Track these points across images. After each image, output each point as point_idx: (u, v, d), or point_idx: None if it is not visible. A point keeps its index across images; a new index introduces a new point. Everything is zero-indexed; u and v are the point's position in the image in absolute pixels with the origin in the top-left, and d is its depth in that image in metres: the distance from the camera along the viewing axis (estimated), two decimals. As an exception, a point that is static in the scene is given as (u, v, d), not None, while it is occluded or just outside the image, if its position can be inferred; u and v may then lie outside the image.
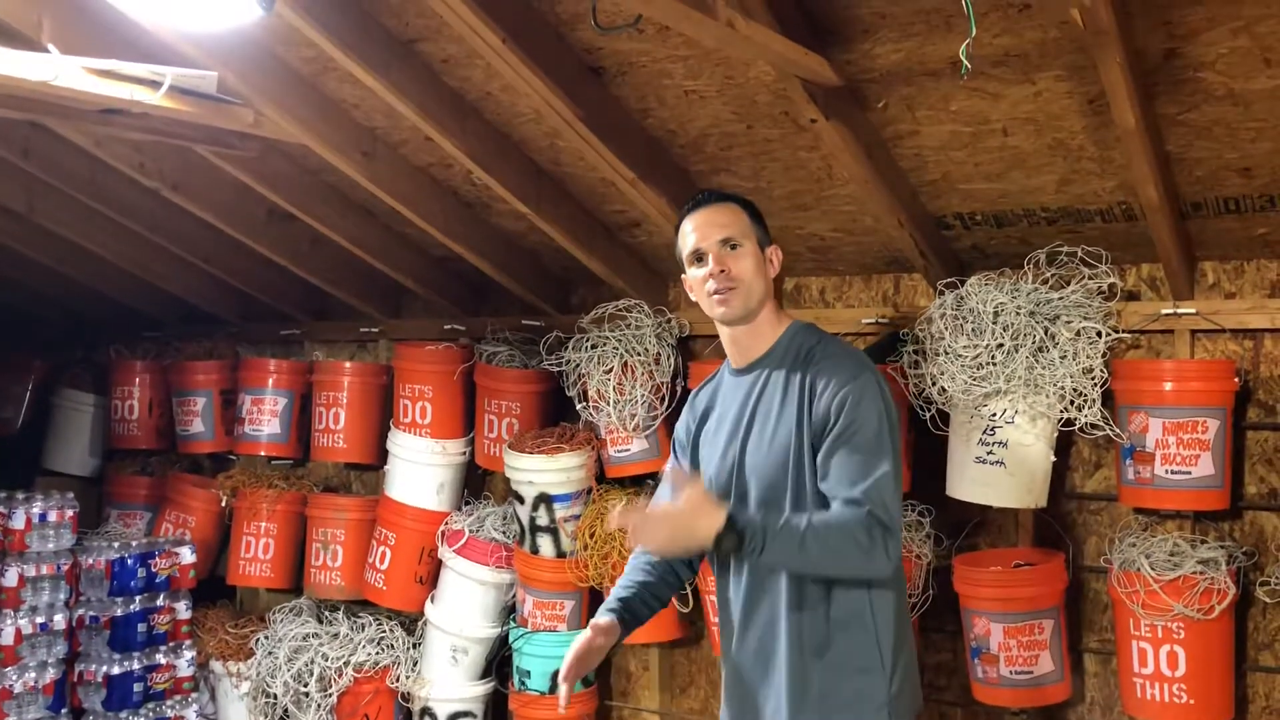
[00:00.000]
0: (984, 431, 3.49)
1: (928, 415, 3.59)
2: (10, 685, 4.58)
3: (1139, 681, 3.33)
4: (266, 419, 5.07)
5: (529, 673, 4.36)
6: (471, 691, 4.55)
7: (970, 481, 3.55)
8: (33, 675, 4.64)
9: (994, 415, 3.46)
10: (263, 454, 5.15)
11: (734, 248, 2.44)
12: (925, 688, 3.96)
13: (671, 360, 4.20)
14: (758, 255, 2.46)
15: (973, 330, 3.50)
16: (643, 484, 4.29)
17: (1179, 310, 3.51)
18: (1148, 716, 3.36)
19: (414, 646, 4.69)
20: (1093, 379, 3.42)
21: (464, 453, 4.70)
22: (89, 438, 5.65)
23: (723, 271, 2.42)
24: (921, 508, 3.80)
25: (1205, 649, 3.24)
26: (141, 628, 4.77)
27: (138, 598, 4.77)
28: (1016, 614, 3.47)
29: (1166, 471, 3.27)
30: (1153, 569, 3.25)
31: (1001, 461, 3.48)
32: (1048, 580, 3.52)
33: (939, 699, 3.98)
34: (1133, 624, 3.33)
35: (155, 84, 2.92)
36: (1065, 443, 3.64)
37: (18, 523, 4.67)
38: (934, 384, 3.53)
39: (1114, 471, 3.59)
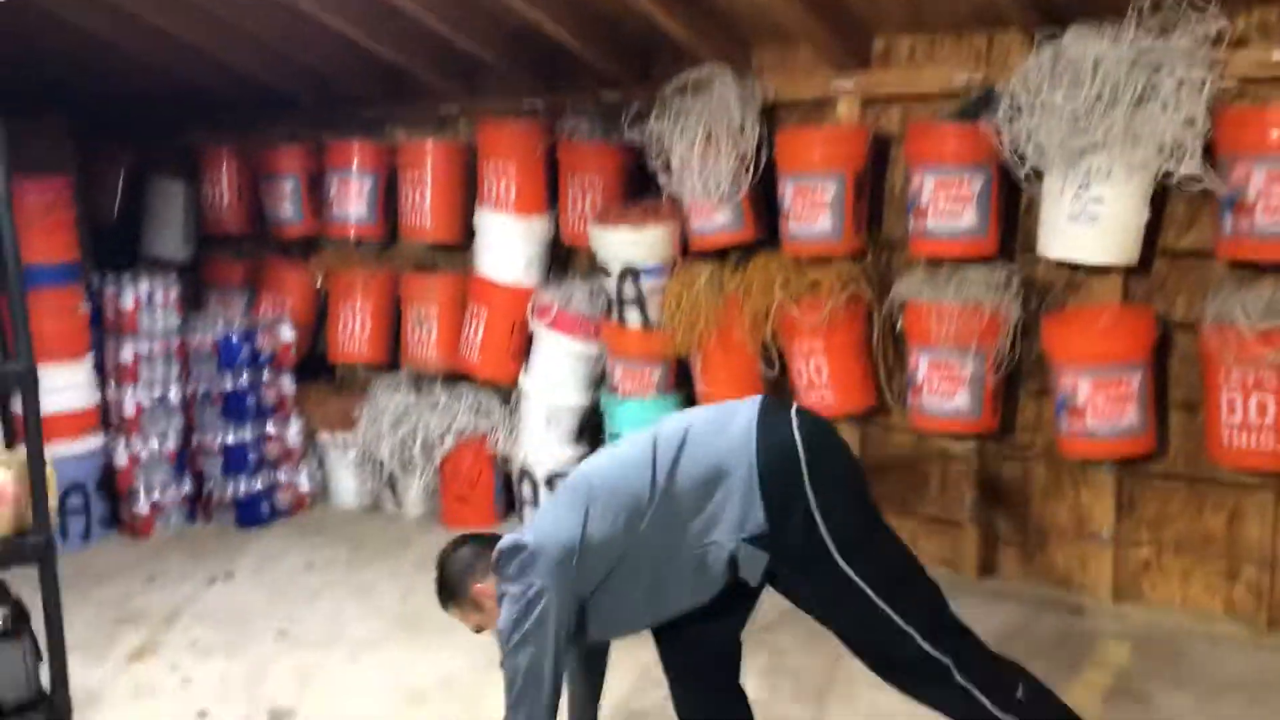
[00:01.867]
0: (1079, 188, 3.44)
1: (1022, 173, 3.54)
2: (138, 453, 4.92)
3: (1227, 431, 3.38)
4: (353, 201, 5.16)
5: (620, 436, 4.54)
6: (565, 454, 4.75)
7: (1063, 239, 3.53)
8: (156, 444, 4.97)
9: (1090, 170, 3.41)
10: (351, 236, 5.26)
11: (479, 631, 2.70)
12: (1011, 446, 4.08)
13: (756, 129, 4.14)
14: (483, 619, 2.65)
15: (1071, 83, 3.40)
16: (726, 257, 4.33)
17: (1290, 56, 3.36)
18: (1234, 463, 3.44)
19: (510, 415, 4.90)
20: (1194, 130, 3.33)
21: (549, 229, 4.76)
22: (182, 224, 5.80)
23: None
24: (1011, 267, 3.80)
25: (1295, 398, 3.27)
26: (250, 401, 5.05)
27: (245, 373, 5.02)
28: (1105, 367, 3.51)
29: (1267, 222, 3.21)
30: (1248, 319, 3.25)
31: (1095, 218, 3.45)
32: (1137, 334, 3.54)
33: (1022, 457, 4.09)
34: (1223, 375, 3.35)
35: None
36: (1159, 200, 3.58)
37: (127, 303, 4.90)
38: (1029, 140, 3.47)
39: (1209, 227, 3.54)
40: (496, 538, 2.63)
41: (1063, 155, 3.40)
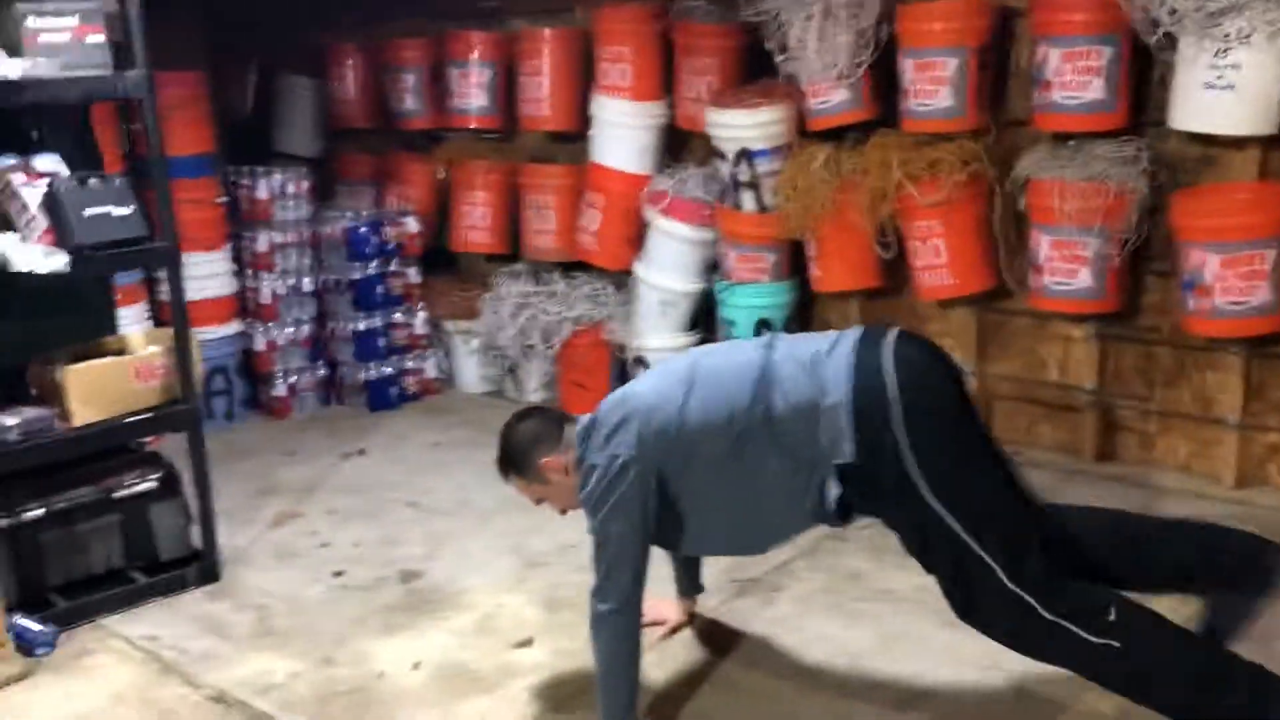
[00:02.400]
0: (1215, 54, 3.30)
1: (1154, 39, 3.40)
2: (275, 339, 5.17)
3: (1367, 306, 3.25)
4: (474, 92, 5.23)
5: (734, 322, 4.58)
6: (679, 341, 4.81)
7: (1196, 109, 3.40)
8: (291, 330, 5.21)
9: (1228, 35, 3.25)
10: (472, 126, 5.35)
11: (540, 502, 2.73)
12: (1134, 329, 3.99)
13: (875, 4, 4.05)
14: (548, 491, 2.67)
15: (1210, -59, 3.23)
16: (844, 136, 4.27)
17: None
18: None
19: (625, 302, 4.98)
20: (1343, -11, 3.14)
21: (664, 114, 4.76)
22: (311, 119, 5.97)
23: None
24: (1140, 142, 3.67)
25: None
26: (379, 290, 5.24)
27: (373, 263, 5.20)
28: (1235, 243, 3.39)
29: None
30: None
31: (1232, 85, 3.30)
32: (1269, 209, 3.40)
33: (1147, 339, 3.99)
34: (1366, 248, 3.21)
35: None
36: (1305, 67, 3.40)
37: (261, 193, 5.11)
38: (1163, 4, 3.32)
39: (1359, 94, 3.36)
40: (564, 415, 2.69)
41: (1198, 19, 3.26)
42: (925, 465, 2.26)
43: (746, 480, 2.42)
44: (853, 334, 2.43)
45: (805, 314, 4.75)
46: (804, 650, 3.00)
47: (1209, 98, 3.35)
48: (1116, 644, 2.24)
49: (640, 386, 2.56)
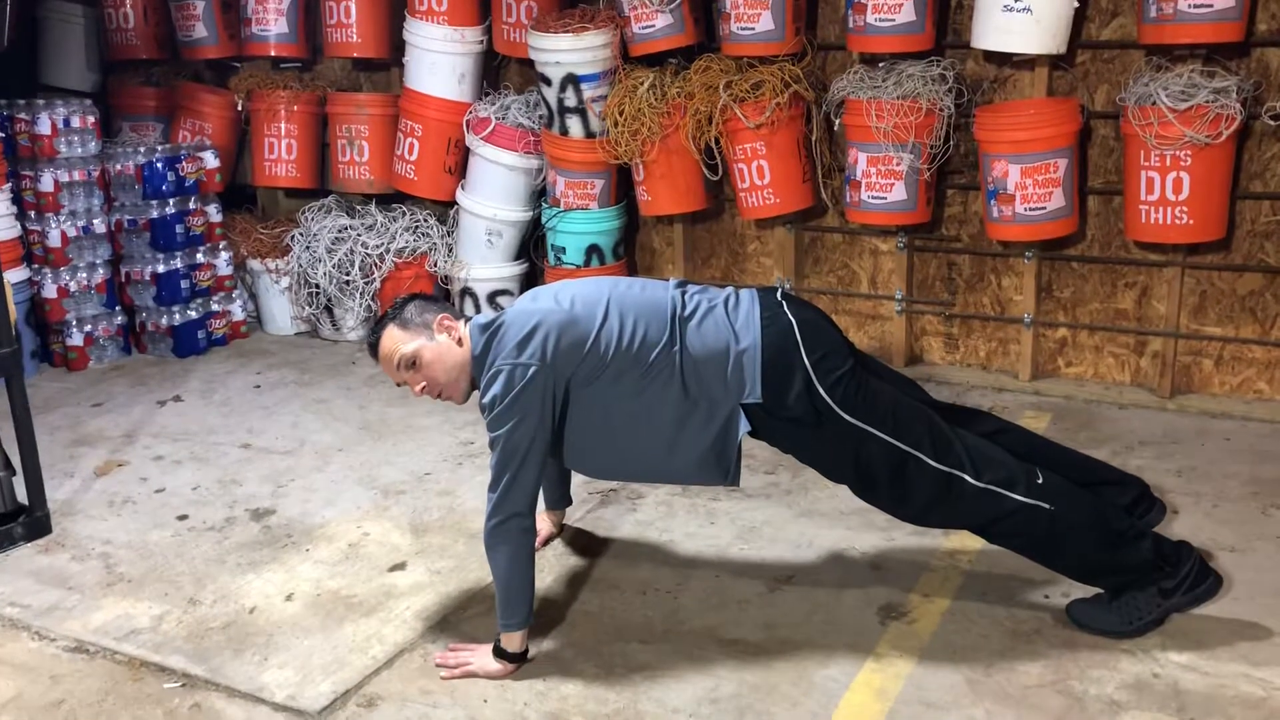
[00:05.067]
0: (1013, -22, 3.58)
1: (958, -35, 3.66)
2: (66, 284, 4.82)
3: (1144, 208, 3.65)
4: (273, 18, 5.01)
5: (564, 249, 4.64)
6: (508, 271, 4.83)
7: (996, 30, 3.69)
8: (84, 275, 4.86)
9: (1025, -40, 3.54)
10: (271, 54, 5.12)
11: (412, 365, 2.60)
12: (937, 239, 4.31)
13: (692, -70, 4.16)
14: (433, 350, 2.59)
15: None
16: (666, 61, 4.37)
17: None
18: (1149, 238, 3.73)
19: (449, 234, 4.93)
20: (1122, -81, 3.48)
21: (482, 40, 4.72)
22: (84, 50, 5.53)
23: (424, 389, 2.61)
24: (945, 62, 3.96)
25: (1207, 174, 3.54)
26: (179, 229, 4.96)
27: (171, 201, 4.92)
28: (1033, 154, 3.72)
29: (1189, 6, 3.41)
30: (1168, 100, 3.48)
31: (1029, 8, 3.61)
32: (1063, 120, 3.75)
33: (949, 249, 4.33)
34: (1143, 156, 3.60)
35: None
36: (1083, -4, 3.77)
37: (43, 128, 4.72)
38: (967, -69, 3.58)
39: (1132, 18, 3.74)
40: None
41: (1000, -55, 3.52)
42: (835, 393, 2.45)
43: (644, 408, 2.52)
44: (748, 291, 2.61)
45: (631, 240, 4.86)
46: (673, 548, 3.14)
47: (1007, 19, 3.65)
48: (1046, 505, 2.47)
49: (550, 302, 2.55)
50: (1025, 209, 3.78)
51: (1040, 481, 2.50)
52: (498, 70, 4.92)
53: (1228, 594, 2.71)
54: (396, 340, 2.60)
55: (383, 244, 4.89)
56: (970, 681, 2.45)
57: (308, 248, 5.05)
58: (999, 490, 2.47)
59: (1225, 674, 2.43)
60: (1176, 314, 3.96)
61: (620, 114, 4.29)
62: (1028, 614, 2.69)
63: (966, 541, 2.98)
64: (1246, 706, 2.33)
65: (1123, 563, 2.53)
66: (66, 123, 4.76)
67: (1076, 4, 3.65)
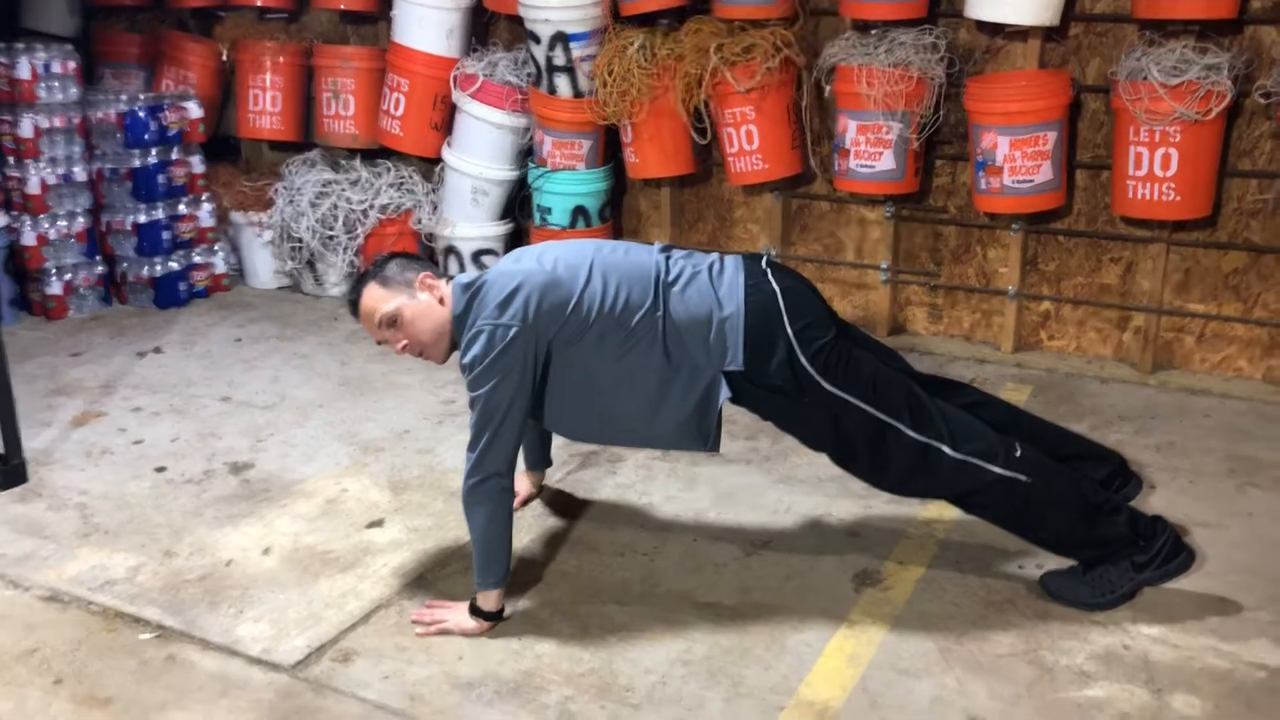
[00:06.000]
0: (1009, -53, 3.56)
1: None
2: (45, 232, 4.77)
3: (1132, 184, 3.65)
4: (259, -34, 4.93)
5: (550, 209, 4.61)
6: (493, 230, 4.80)
7: (990, 0, 3.66)
8: (64, 224, 4.81)
9: (1021, -71, 3.51)
10: (257, 3, 5.05)
11: (393, 324, 2.57)
12: (924, 210, 4.30)
13: (687, -112, 4.10)
14: (414, 308, 2.56)
15: None
16: (656, 21, 4.33)
17: None
18: (1136, 213, 3.73)
19: (434, 191, 4.89)
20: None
21: (472, -6, 4.67)
22: (67, -6, 5.45)
23: (404, 347, 2.58)
24: (938, 31, 3.93)
25: (1196, 150, 3.54)
26: (161, 179, 4.90)
27: (153, 150, 4.86)
28: (1023, 126, 3.71)
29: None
30: (1159, 75, 3.46)
31: (1024, -23, 3.58)
32: (1054, 93, 3.73)
33: (936, 220, 4.32)
34: (1132, 131, 3.59)
35: None
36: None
37: (23, 73, 4.65)
38: (964, -103, 3.54)
39: (1126, -10, 3.73)
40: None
41: (996, -88, 3.49)
42: (817, 362, 2.45)
43: (625, 372, 2.51)
44: (733, 258, 2.59)
45: (617, 202, 4.84)
46: (652, 511, 3.14)
47: (1002, -12, 3.62)
48: (1024, 477, 2.47)
49: (533, 263, 2.53)
50: (1013, 181, 3.77)
51: (1018, 454, 2.51)
52: (486, 26, 4.87)
53: (1200, 569, 2.73)
54: (377, 298, 2.58)
55: (367, 200, 4.85)
56: (942, 649, 2.47)
57: (291, 201, 5.00)
58: (977, 462, 2.48)
59: (1194, 647, 2.46)
60: (1160, 290, 3.97)
61: (609, 74, 4.25)
62: (1001, 584, 2.71)
63: (943, 511, 3.00)
64: (1213, 679, 2.36)
65: (1098, 536, 2.55)
66: (47, 68, 4.69)
67: (1072, -25, 3.63)
